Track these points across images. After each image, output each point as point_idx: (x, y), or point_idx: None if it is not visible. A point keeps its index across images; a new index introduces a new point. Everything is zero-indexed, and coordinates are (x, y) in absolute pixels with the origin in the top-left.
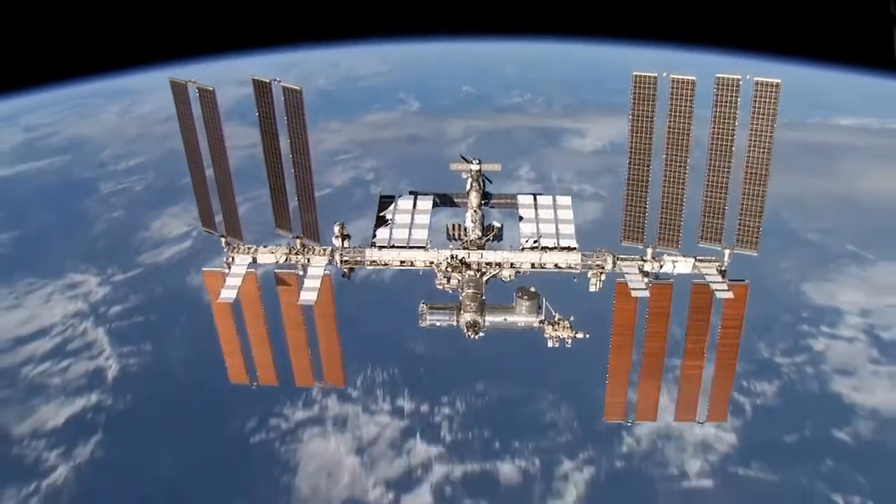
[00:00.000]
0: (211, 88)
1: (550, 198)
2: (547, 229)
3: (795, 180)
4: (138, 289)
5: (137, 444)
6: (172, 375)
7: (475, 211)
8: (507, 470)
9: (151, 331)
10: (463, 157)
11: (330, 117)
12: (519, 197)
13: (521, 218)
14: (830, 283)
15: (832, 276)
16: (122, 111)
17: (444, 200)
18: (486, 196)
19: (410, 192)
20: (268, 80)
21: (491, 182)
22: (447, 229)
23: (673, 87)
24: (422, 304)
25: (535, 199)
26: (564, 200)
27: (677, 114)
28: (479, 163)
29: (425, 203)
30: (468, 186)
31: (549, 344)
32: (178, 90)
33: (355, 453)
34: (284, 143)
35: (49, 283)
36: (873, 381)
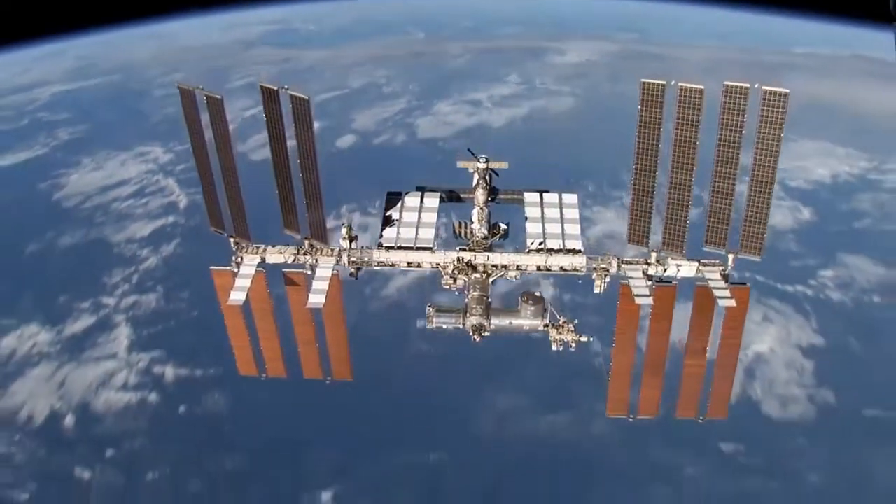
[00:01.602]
0: (219, 96)
1: (556, 195)
2: (552, 229)
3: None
4: None
5: (209, 245)
6: None
7: (481, 208)
8: None
9: None
10: (470, 152)
11: (347, 42)
12: (525, 194)
13: (526, 218)
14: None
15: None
16: (159, 46)
17: (450, 197)
18: (492, 191)
19: (418, 188)
20: (276, 88)
21: (497, 175)
22: (454, 227)
23: (680, 96)
24: (428, 307)
25: (541, 197)
26: (570, 199)
27: (684, 121)
28: (487, 160)
29: (432, 200)
30: (474, 182)
31: (553, 347)
32: (186, 96)
33: None
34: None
35: (122, 153)
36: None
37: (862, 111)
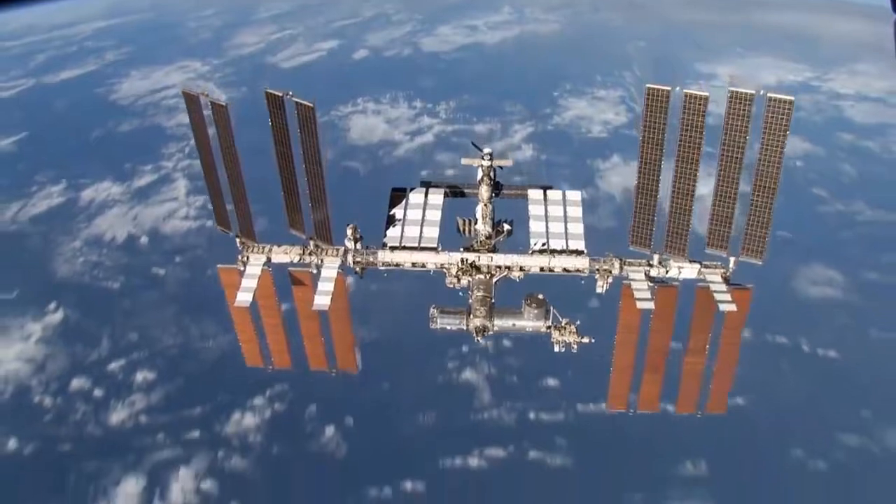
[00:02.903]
0: (224, 104)
1: (560, 193)
2: (556, 228)
3: (708, 14)
4: (232, 64)
5: (251, 129)
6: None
7: (486, 205)
8: (480, 128)
9: (246, 76)
10: (474, 145)
11: None
12: (529, 191)
13: (529, 217)
14: (714, 63)
15: (717, 59)
16: None
17: (455, 192)
18: (496, 187)
19: (422, 184)
20: (280, 94)
21: (501, 169)
22: (457, 225)
23: (685, 102)
24: (432, 308)
25: (545, 194)
26: (574, 196)
27: (689, 128)
28: (491, 158)
29: (436, 197)
30: (479, 178)
31: (556, 349)
32: (191, 101)
33: (385, 123)
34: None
35: (166, 66)
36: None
37: (818, 37)
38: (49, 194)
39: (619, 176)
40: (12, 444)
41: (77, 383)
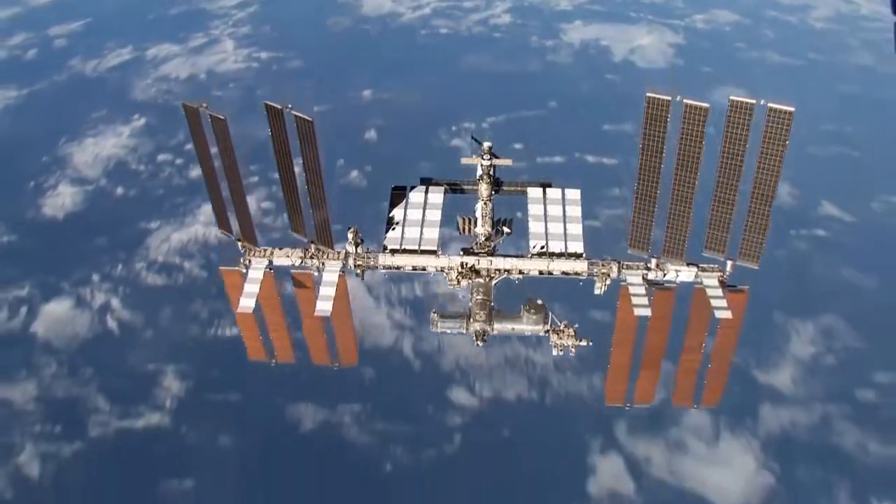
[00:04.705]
0: (222, 117)
1: (559, 191)
2: (555, 229)
3: None
4: None
5: (283, 8)
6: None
7: (485, 203)
8: (467, 3)
9: None
10: (474, 139)
11: None
12: (529, 189)
13: (529, 217)
14: None
15: None
16: None
17: (455, 190)
18: (496, 184)
19: (422, 182)
20: (280, 107)
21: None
22: (457, 224)
23: (685, 112)
24: (433, 313)
25: (544, 193)
26: (573, 194)
27: (688, 137)
28: (491, 157)
29: (436, 196)
30: (478, 174)
31: (554, 352)
32: (191, 114)
33: (391, 1)
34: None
35: None
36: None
37: None
38: (119, 54)
39: (578, 33)
40: (119, 190)
41: (162, 157)
